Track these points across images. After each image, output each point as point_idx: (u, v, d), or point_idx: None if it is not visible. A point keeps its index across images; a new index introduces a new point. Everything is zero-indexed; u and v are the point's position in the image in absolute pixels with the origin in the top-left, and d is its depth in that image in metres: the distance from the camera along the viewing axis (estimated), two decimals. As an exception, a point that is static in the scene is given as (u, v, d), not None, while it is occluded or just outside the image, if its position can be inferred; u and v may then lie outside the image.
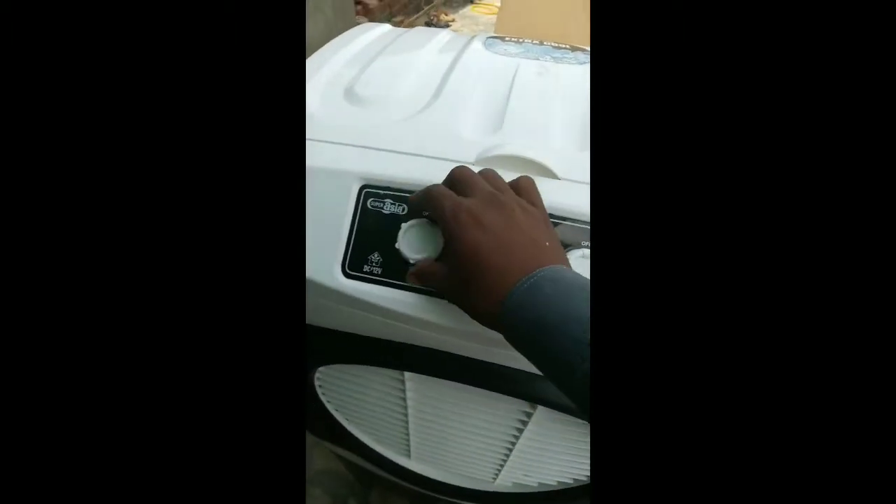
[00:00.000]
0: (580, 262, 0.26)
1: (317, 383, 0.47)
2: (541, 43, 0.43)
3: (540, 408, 0.36)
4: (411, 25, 2.17)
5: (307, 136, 0.30)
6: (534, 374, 0.31)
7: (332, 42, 0.42)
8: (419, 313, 0.28)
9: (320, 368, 0.42)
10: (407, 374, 0.36)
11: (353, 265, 0.28)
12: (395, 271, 0.28)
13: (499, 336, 0.25)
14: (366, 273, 0.28)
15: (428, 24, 2.43)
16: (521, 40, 0.43)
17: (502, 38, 0.44)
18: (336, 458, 0.90)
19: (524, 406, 0.37)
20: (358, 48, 0.41)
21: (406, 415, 0.46)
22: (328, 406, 0.51)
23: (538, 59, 0.39)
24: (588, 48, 0.44)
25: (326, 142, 0.30)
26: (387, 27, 0.47)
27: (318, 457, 0.95)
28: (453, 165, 0.29)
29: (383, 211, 0.28)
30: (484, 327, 0.24)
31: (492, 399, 0.37)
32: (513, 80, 0.35)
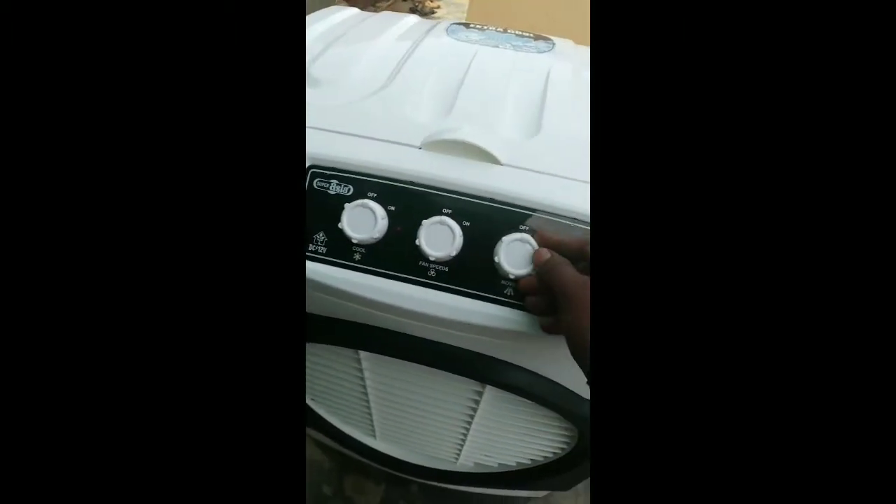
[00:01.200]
0: (514, 245, 0.27)
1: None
2: (504, 31, 0.44)
3: (489, 388, 0.37)
4: (395, 10, 2.14)
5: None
6: (479, 353, 0.32)
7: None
8: (363, 292, 0.29)
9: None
10: (361, 353, 0.37)
11: (300, 244, 0.29)
12: (340, 251, 0.29)
13: (444, 316, 0.26)
14: (311, 252, 0.29)
15: (413, 11, 2.40)
16: (485, 27, 0.44)
17: (466, 25, 0.44)
18: (313, 445, 0.91)
19: (474, 385, 0.38)
20: (321, 31, 0.41)
21: (367, 394, 0.47)
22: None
23: (498, 47, 0.40)
24: (552, 38, 0.44)
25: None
26: (354, 11, 0.47)
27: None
28: (399, 148, 0.29)
29: (329, 192, 0.29)
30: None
31: (444, 378, 0.38)
32: (469, 66, 0.36)
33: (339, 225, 0.28)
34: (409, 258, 0.28)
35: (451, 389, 0.39)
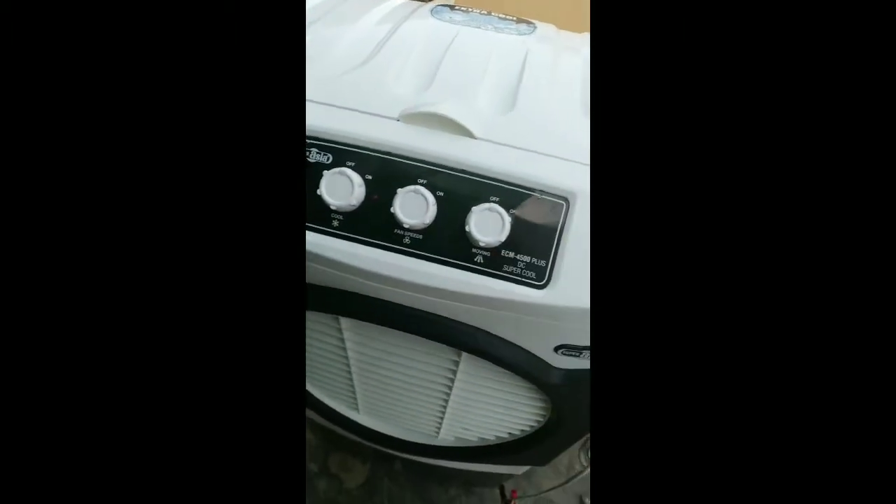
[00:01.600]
0: (485, 214, 0.28)
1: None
2: (488, 13, 0.45)
3: (465, 357, 0.39)
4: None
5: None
6: (453, 320, 0.33)
7: None
8: (341, 258, 0.30)
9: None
10: (342, 321, 0.39)
11: (280, 210, 0.30)
12: (319, 217, 0.30)
13: (418, 282, 0.28)
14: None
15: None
16: (469, 9, 0.45)
17: (452, 7, 0.45)
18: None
19: (451, 354, 0.39)
20: (309, 6, 0.42)
21: (349, 366, 0.49)
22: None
23: (479, 28, 0.41)
24: (534, 22, 0.45)
25: (260, 93, 0.32)
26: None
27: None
28: (378, 120, 0.31)
29: (308, 159, 0.30)
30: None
31: (422, 347, 0.39)
32: (449, 44, 0.37)
33: (318, 191, 0.29)
34: (384, 225, 0.30)
35: (429, 359, 0.41)
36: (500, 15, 0.45)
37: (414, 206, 0.29)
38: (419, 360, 0.42)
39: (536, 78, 0.35)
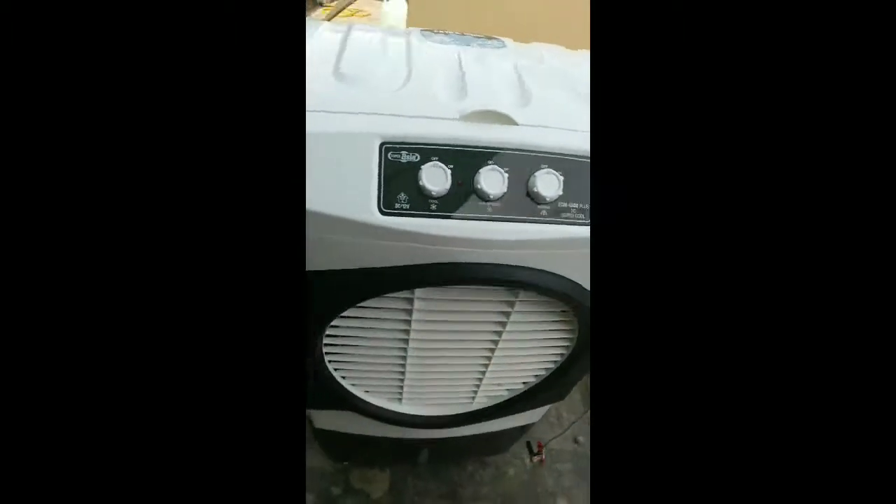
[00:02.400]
0: (543, 176, 0.38)
1: (325, 350, 0.53)
2: (461, 34, 0.55)
3: (519, 299, 0.48)
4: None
5: (321, 108, 0.38)
6: (521, 266, 0.43)
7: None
8: (444, 232, 0.38)
9: (329, 330, 0.48)
10: (417, 293, 0.45)
11: (386, 205, 0.37)
12: (419, 204, 0.37)
13: (505, 239, 0.37)
14: (398, 210, 0.37)
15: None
16: (446, 32, 0.55)
17: (432, 31, 0.55)
18: (314, 451, 0.92)
19: (508, 296, 0.48)
20: (323, 39, 0.48)
21: (405, 353, 0.55)
22: (334, 372, 0.57)
23: (469, 46, 0.51)
24: (497, 37, 0.57)
25: (341, 112, 0.38)
26: (343, 25, 0.55)
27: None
28: (444, 122, 0.39)
29: (401, 160, 0.37)
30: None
31: (485, 296, 0.47)
32: (460, 61, 0.47)
33: (420, 182, 0.36)
34: (469, 202, 0.38)
35: (486, 308, 0.49)
36: (473, 35, 0.55)
37: (492, 182, 0.38)
38: (477, 316, 0.50)
39: (534, 79, 0.46)
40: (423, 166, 0.37)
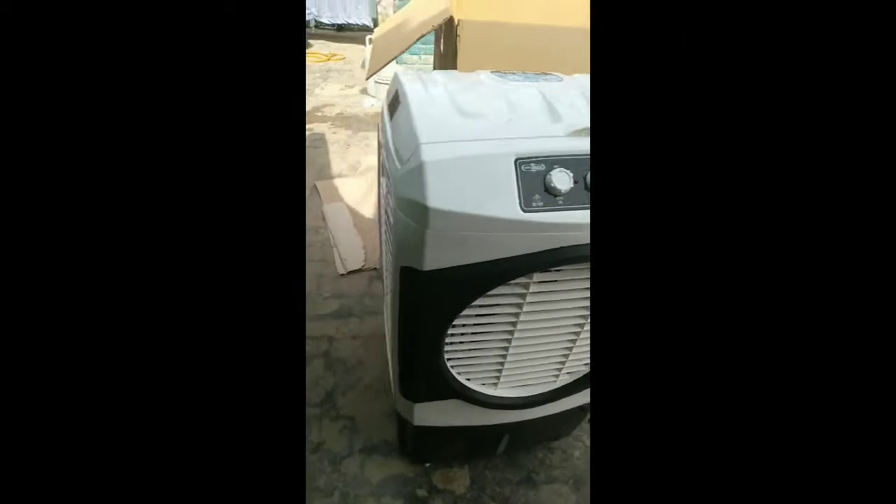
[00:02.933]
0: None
1: (445, 350, 0.63)
2: (524, 73, 0.69)
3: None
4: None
5: (461, 138, 0.49)
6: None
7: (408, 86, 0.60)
8: (570, 220, 0.49)
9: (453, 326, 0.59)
10: (535, 277, 0.56)
11: (526, 205, 0.48)
12: (550, 202, 0.49)
13: None
14: (534, 208, 0.48)
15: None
16: (514, 72, 0.68)
17: (501, 73, 0.68)
18: (392, 460, 0.99)
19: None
20: (433, 85, 0.60)
21: (510, 342, 0.65)
22: (447, 363, 0.67)
23: (538, 82, 0.64)
24: (552, 73, 0.71)
25: (478, 140, 0.50)
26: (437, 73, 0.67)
27: (372, 471, 1.01)
28: (557, 139, 0.51)
29: (532, 170, 0.49)
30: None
31: (579, 276, 0.58)
32: (544, 95, 0.60)
33: (551, 184, 0.48)
34: (583, 197, 0.50)
35: (582, 285, 0.60)
36: (533, 73, 0.69)
37: (598, 180, 0.50)
38: (574, 294, 0.61)
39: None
40: (549, 173, 0.48)
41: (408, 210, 0.49)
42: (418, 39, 0.88)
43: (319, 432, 1.07)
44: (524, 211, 0.48)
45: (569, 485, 1.02)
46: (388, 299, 0.74)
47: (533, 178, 0.49)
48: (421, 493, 0.99)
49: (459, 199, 0.47)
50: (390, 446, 1.05)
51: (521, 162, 0.49)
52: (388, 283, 0.69)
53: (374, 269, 1.54)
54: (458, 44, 0.85)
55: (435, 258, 0.51)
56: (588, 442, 1.09)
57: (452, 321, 0.59)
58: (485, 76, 0.66)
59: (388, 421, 1.10)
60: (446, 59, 0.91)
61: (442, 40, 1.05)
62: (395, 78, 0.65)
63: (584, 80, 0.70)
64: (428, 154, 0.47)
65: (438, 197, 0.46)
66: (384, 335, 1.30)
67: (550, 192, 0.48)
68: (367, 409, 1.13)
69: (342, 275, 1.51)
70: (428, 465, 1.02)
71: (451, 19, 0.87)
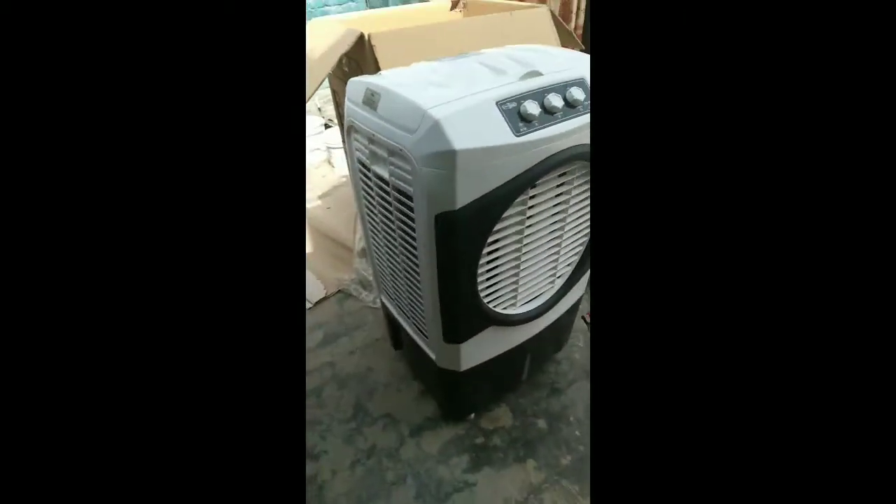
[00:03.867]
0: (575, 90, 0.71)
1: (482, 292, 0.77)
2: (446, 57, 0.86)
3: (579, 169, 0.79)
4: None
5: (449, 99, 0.64)
6: (579, 144, 0.74)
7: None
8: (546, 134, 0.67)
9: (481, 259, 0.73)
10: (531, 191, 0.73)
11: (516, 131, 0.65)
12: (529, 125, 0.66)
13: (567, 129, 0.68)
14: (522, 132, 0.65)
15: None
16: (438, 59, 0.85)
17: (432, 61, 0.84)
18: (438, 429, 1.08)
19: (580, 170, 0.79)
20: (397, 76, 0.74)
21: (520, 259, 0.81)
22: (487, 303, 0.80)
23: (468, 58, 0.82)
24: (465, 53, 0.89)
25: (462, 97, 0.65)
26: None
27: (429, 445, 1.09)
28: (516, 83, 0.69)
29: (508, 107, 0.66)
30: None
31: (565, 178, 0.77)
32: (480, 64, 0.77)
33: (526, 111, 0.65)
34: (549, 116, 0.68)
35: (567, 186, 0.79)
36: (449, 57, 0.86)
37: (555, 102, 0.69)
38: (562, 196, 0.79)
39: (521, 53, 0.79)
40: (521, 105, 0.66)
41: (435, 162, 0.62)
42: (329, 72, 0.99)
43: (365, 440, 1.11)
44: (516, 136, 0.65)
45: (584, 379, 1.21)
46: (396, 279, 0.83)
47: (511, 113, 0.66)
48: (479, 440, 1.09)
49: (472, 138, 0.61)
50: (433, 420, 1.14)
51: (500, 103, 0.65)
52: (409, 254, 0.80)
53: (339, 291, 1.58)
54: (375, 55, 0.99)
55: (464, 193, 0.64)
56: (581, 343, 1.31)
57: (482, 251, 0.73)
58: (423, 65, 0.82)
59: (420, 401, 1.19)
60: (364, 73, 1.04)
61: (345, 62, 1.18)
62: (359, 82, 0.77)
63: (496, 51, 0.89)
64: (438, 113, 0.61)
65: (459, 141, 0.60)
66: (376, 339, 1.37)
67: (526, 118, 0.66)
68: (396, 400, 1.20)
69: (310, 308, 1.52)
70: (472, 416, 1.13)
71: (360, 37, 1.00)
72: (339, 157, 2.38)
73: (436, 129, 0.60)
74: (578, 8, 1.84)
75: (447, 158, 0.61)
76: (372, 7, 3.20)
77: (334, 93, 1.43)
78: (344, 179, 2.24)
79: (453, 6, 1.50)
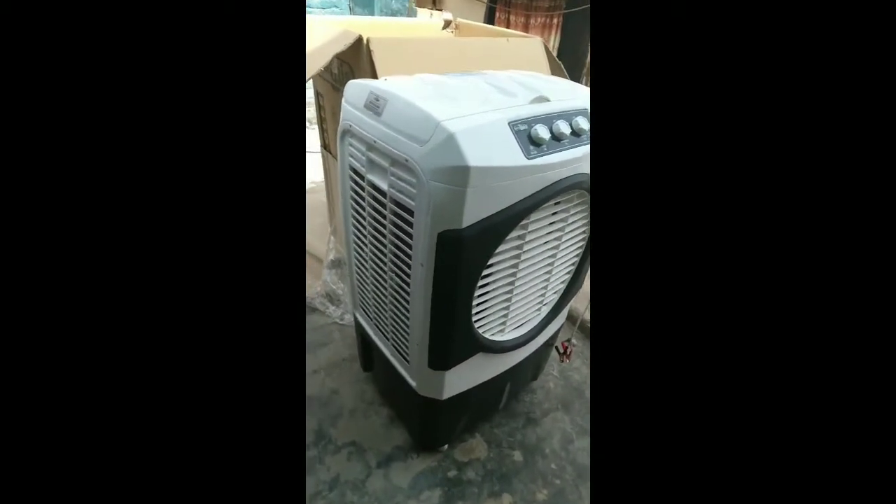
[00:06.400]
0: (580, 119, 0.70)
1: (474, 316, 0.73)
2: (467, 72, 0.84)
3: (577, 198, 0.78)
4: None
5: (460, 115, 0.61)
6: (581, 172, 0.73)
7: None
8: (555, 160, 0.65)
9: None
10: (531, 217, 0.71)
11: (527, 154, 0.63)
12: (540, 149, 0.64)
13: (573, 157, 0.67)
14: (532, 155, 0.63)
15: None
16: (459, 73, 0.82)
17: (452, 74, 0.82)
18: (409, 461, 1.01)
19: (578, 198, 0.77)
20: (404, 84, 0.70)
21: (513, 286, 0.78)
22: (477, 328, 0.77)
23: (473, 76, 0.80)
24: (482, 71, 0.87)
25: (474, 114, 0.62)
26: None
27: (398, 477, 1.01)
28: (528, 106, 0.67)
29: (520, 129, 0.64)
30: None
31: (560, 207, 0.75)
32: (486, 83, 0.75)
33: (537, 135, 0.64)
34: (558, 142, 0.67)
35: (563, 215, 0.77)
36: (472, 72, 0.84)
37: (563, 128, 0.68)
38: (558, 224, 0.78)
39: (530, 80, 0.78)
40: (533, 128, 0.64)
41: (445, 176, 0.59)
42: (319, 70, 0.94)
43: (328, 469, 1.02)
44: (527, 159, 0.63)
45: (560, 410, 1.19)
46: (380, 297, 0.78)
47: (522, 135, 0.64)
48: (452, 473, 1.03)
49: (486, 156, 0.58)
50: (403, 449, 1.07)
51: (512, 124, 0.63)
52: (404, 270, 0.75)
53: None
54: (373, 60, 0.96)
55: (471, 212, 0.61)
56: (556, 373, 1.29)
57: (482, 274, 0.70)
58: (430, 76, 0.79)
59: (390, 429, 1.11)
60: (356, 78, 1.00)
61: (335, 64, 1.13)
62: (361, 85, 0.73)
63: (500, 73, 0.88)
64: (453, 126, 0.58)
65: (474, 157, 0.57)
66: (343, 359, 1.29)
67: (536, 142, 0.64)
68: (363, 427, 1.12)
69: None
70: (445, 447, 1.07)
71: (359, 39, 0.96)
72: (311, 161, 2.28)
73: (450, 142, 0.57)
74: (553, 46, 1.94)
75: (460, 174, 0.58)
76: (355, 16, 3.18)
77: (318, 94, 1.36)
78: (314, 185, 2.14)
79: (445, 26, 1.50)
